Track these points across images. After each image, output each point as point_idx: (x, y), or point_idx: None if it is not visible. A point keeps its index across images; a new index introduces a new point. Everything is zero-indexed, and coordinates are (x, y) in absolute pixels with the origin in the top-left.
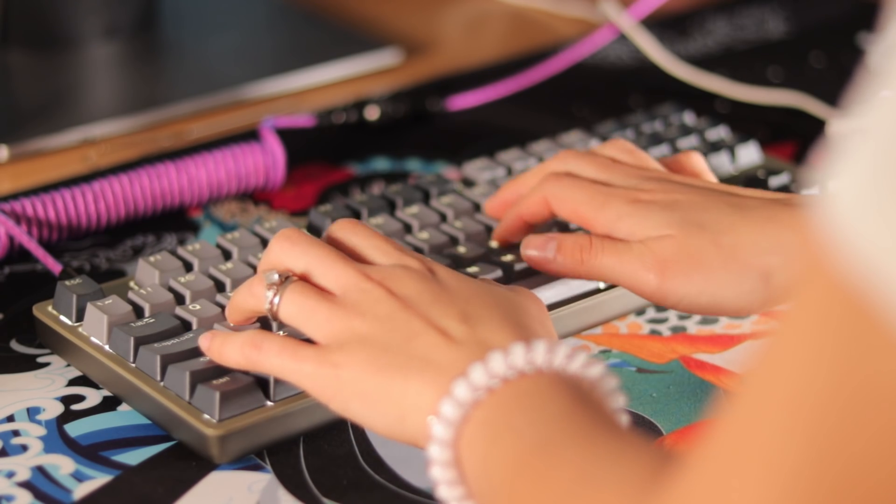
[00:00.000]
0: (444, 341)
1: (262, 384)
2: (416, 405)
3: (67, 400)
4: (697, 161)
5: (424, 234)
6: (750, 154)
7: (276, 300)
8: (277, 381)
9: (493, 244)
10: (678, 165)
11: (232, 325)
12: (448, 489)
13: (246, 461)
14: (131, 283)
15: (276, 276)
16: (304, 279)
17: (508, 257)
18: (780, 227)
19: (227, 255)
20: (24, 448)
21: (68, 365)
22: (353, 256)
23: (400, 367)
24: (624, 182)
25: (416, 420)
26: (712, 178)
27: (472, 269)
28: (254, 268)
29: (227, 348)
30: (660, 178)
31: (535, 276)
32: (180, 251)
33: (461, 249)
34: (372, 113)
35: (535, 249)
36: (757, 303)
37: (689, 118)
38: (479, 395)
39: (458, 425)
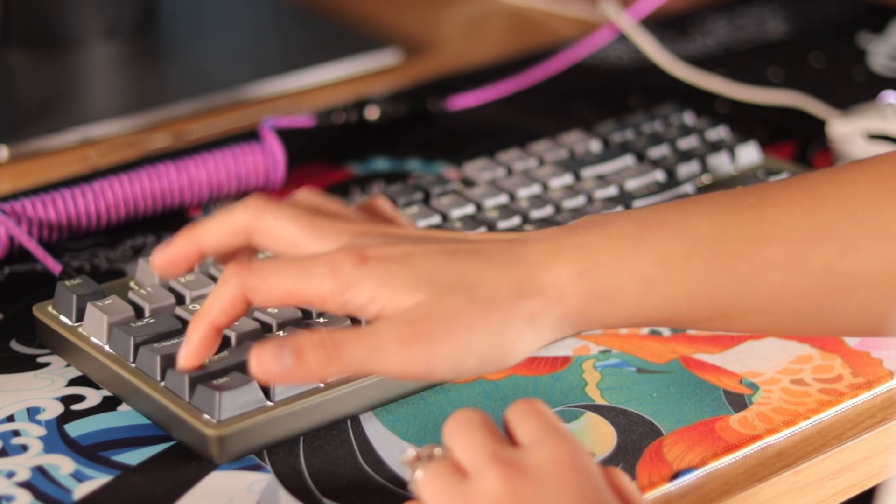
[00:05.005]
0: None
1: (262, 384)
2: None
3: (67, 400)
4: (387, 205)
5: None
6: (750, 154)
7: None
8: (283, 385)
9: (182, 369)
10: (372, 211)
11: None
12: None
13: (246, 461)
14: (131, 283)
15: (412, 452)
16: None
17: None
18: (528, 268)
19: None
20: (24, 448)
21: (68, 365)
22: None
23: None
24: (337, 239)
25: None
26: (408, 221)
27: None
28: None
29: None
30: (378, 232)
31: None
32: None
33: None
34: (372, 113)
35: (269, 362)
36: (526, 349)
37: (689, 118)
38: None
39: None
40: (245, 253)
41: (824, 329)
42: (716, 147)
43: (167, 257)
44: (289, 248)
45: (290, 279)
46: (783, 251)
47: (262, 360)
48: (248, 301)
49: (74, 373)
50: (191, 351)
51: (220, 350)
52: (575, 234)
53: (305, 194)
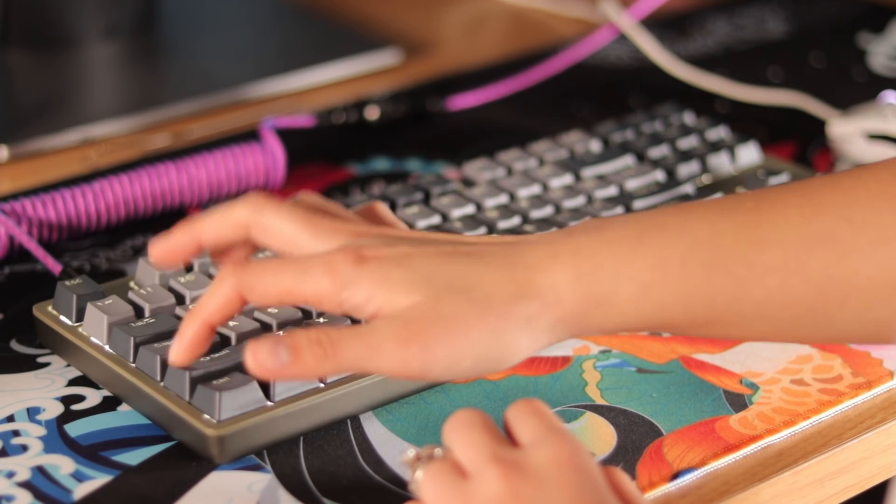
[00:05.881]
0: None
1: (262, 384)
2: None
3: (67, 400)
4: (386, 210)
5: None
6: (750, 154)
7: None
8: (277, 381)
9: (174, 364)
10: (371, 215)
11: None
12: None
13: (246, 461)
14: (131, 283)
15: (413, 452)
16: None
17: None
18: (526, 271)
19: None
20: (24, 448)
21: (68, 365)
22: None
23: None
24: (335, 239)
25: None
26: (405, 227)
27: None
28: None
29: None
30: (376, 234)
31: None
32: None
33: None
34: (372, 113)
35: (265, 358)
36: (522, 352)
37: (689, 118)
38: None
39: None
40: (242, 250)
41: (822, 336)
42: (716, 147)
43: (165, 248)
44: (287, 245)
45: (288, 278)
46: (781, 256)
47: (258, 356)
48: (244, 300)
49: (74, 373)
50: (183, 347)
51: (219, 350)
52: (573, 237)
53: (306, 195)
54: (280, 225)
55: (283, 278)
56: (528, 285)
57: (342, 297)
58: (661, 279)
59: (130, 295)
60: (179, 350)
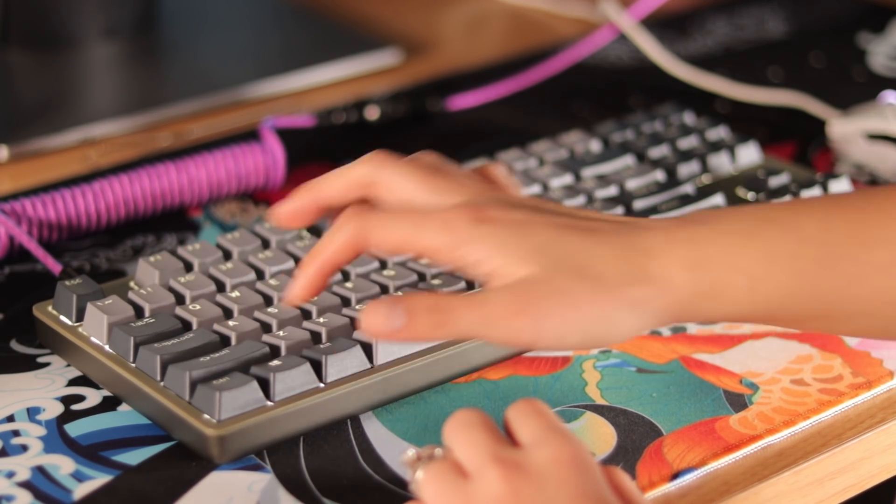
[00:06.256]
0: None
1: (262, 384)
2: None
3: (67, 400)
4: (503, 172)
5: None
6: (750, 154)
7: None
8: (277, 381)
9: (290, 302)
10: (487, 177)
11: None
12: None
13: (246, 461)
14: (131, 283)
15: (413, 452)
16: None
17: None
18: (641, 255)
19: (227, 255)
20: (24, 448)
21: (68, 365)
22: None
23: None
24: (453, 198)
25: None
26: (522, 193)
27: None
28: (254, 268)
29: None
30: (495, 196)
31: None
32: (180, 251)
33: None
34: (372, 113)
35: (380, 320)
36: (628, 332)
37: (689, 118)
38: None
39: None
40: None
41: None
42: (716, 147)
43: (288, 210)
44: (407, 203)
45: (407, 228)
46: (889, 255)
47: (373, 316)
48: (364, 244)
49: (74, 373)
50: (301, 286)
51: (220, 350)
52: (688, 226)
53: (425, 154)
54: (401, 182)
55: (402, 228)
56: (641, 269)
57: (457, 254)
58: (770, 273)
59: (130, 295)
60: (298, 288)
